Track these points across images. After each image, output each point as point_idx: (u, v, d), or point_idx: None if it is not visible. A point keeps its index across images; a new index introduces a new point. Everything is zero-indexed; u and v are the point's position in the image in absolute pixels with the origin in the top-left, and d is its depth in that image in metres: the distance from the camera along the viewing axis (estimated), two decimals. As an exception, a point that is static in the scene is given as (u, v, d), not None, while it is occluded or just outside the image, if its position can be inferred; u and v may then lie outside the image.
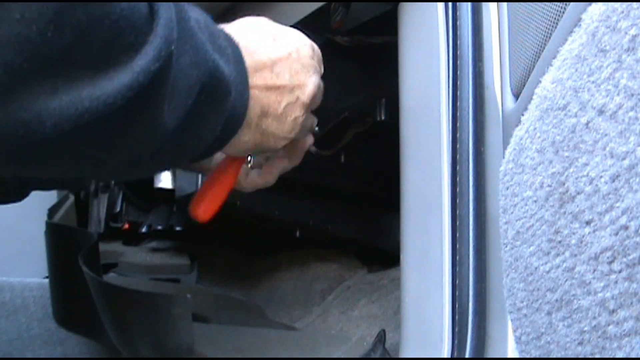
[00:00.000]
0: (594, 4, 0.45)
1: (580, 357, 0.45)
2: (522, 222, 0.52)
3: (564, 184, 0.46)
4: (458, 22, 0.66)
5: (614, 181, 0.41)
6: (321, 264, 1.40)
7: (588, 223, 0.43)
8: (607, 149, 0.42)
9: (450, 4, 0.67)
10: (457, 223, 0.64)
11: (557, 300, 0.48)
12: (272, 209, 1.24)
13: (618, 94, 0.41)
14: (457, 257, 0.63)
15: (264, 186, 0.69)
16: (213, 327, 1.11)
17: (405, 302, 0.69)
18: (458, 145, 0.65)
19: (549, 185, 0.48)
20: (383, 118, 0.98)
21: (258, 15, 0.61)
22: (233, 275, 1.46)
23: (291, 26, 0.63)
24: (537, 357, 0.52)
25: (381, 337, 0.88)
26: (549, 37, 0.54)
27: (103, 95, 0.39)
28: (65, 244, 0.84)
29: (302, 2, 0.82)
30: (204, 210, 0.63)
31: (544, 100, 0.50)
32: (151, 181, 1.22)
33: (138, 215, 1.40)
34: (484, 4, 0.66)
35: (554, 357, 0.49)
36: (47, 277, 0.91)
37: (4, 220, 1.44)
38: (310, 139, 0.68)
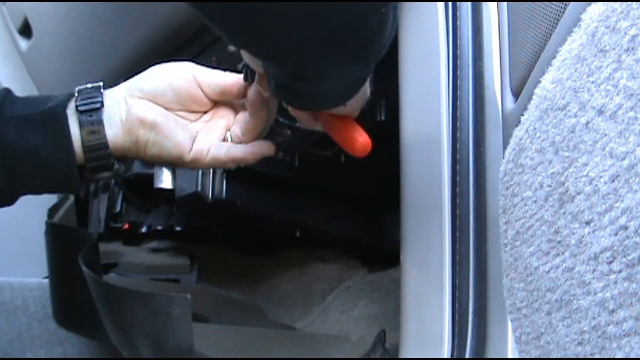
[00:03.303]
0: (593, 4, 0.45)
1: (579, 357, 0.45)
2: (522, 222, 0.52)
3: (563, 184, 0.46)
4: (458, 22, 0.66)
5: (613, 181, 0.41)
6: (321, 264, 1.40)
7: (588, 223, 0.43)
8: (607, 149, 0.42)
9: (450, 4, 0.67)
10: (457, 223, 0.64)
11: (556, 301, 0.48)
12: (272, 209, 1.24)
13: (618, 94, 0.41)
14: (457, 257, 0.63)
15: (241, 163, 0.70)
16: (213, 327, 1.11)
17: (405, 302, 0.69)
18: (458, 145, 0.65)
19: (549, 186, 0.48)
20: (383, 118, 0.98)
21: None
22: (233, 275, 1.46)
23: None
24: (537, 357, 0.52)
25: (381, 337, 0.88)
26: (549, 37, 0.54)
27: None
28: (65, 244, 0.84)
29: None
30: (363, 144, 0.66)
31: (543, 100, 0.50)
32: (151, 181, 1.22)
33: (138, 215, 1.40)
34: (484, 4, 0.66)
35: (554, 357, 0.49)
36: (47, 277, 0.91)
37: (4, 220, 1.44)
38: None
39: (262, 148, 0.70)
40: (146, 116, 0.67)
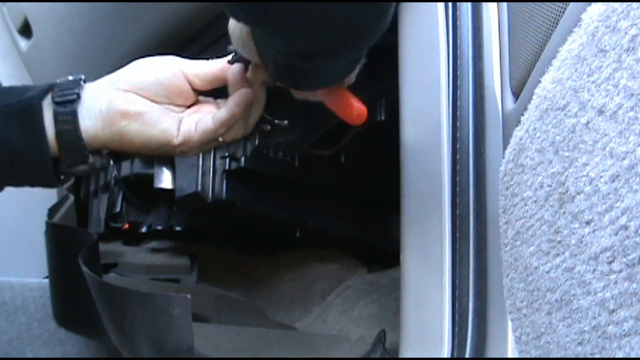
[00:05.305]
0: (593, 4, 0.45)
1: (580, 357, 0.45)
2: (522, 222, 0.52)
3: (563, 184, 0.46)
4: (458, 22, 0.66)
5: (613, 181, 0.41)
6: (321, 264, 1.40)
7: (588, 223, 0.43)
8: (607, 149, 0.42)
9: (450, 4, 0.67)
10: (457, 223, 0.64)
11: (556, 300, 0.48)
12: (272, 209, 1.24)
13: (618, 94, 0.41)
14: (457, 257, 0.63)
15: (231, 122, 0.68)
16: (213, 327, 1.11)
17: (405, 302, 0.69)
18: (458, 145, 0.65)
19: (549, 186, 0.48)
20: (383, 118, 0.98)
21: None
22: (233, 275, 1.46)
23: None
24: (537, 357, 0.52)
25: (381, 337, 0.88)
26: (549, 37, 0.54)
27: None
28: (65, 244, 0.84)
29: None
30: (358, 111, 0.66)
31: (543, 100, 0.50)
32: (151, 181, 1.23)
33: (138, 215, 1.40)
34: (484, 4, 0.66)
35: (554, 357, 0.49)
36: (47, 277, 0.91)
37: (4, 220, 1.44)
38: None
39: (242, 94, 0.68)
40: (129, 108, 0.66)
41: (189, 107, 0.72)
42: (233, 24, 0.65)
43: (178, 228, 1.37)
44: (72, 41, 1.21)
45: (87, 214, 1.41)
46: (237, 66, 0.69)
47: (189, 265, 1.40)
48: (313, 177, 1.22)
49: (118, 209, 1.37)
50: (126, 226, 1.39)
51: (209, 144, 0.71)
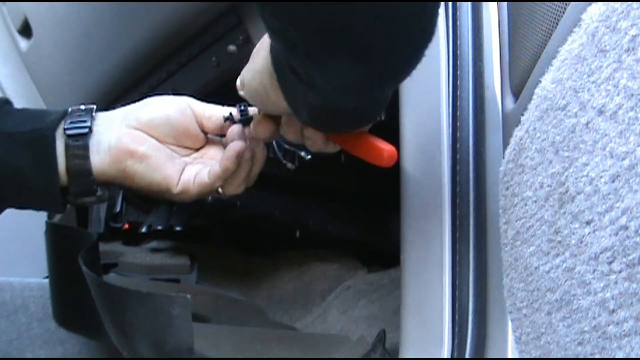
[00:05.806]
0: (594, 4, 0.45)
1: (580, 357, 0.45)
2: (522, 222, 0.52)
3: (563, 184, 0.46)
4: (458, 22, 0.66)
5: (613, 181, 0.41)
6: (321, 264, 1.41)
7: (588, 223, 0.43)
8: (607, 149, 0.42)
9: (450, 4, 0.67)
10: (457, 223, 0.64)
11: (557, 300, 0.48)
12: (272, 209, 1.24)
13: (618, 94, 0.41)
14: (457, 257, 0.63)
15: (225, 175, 0.67)
16: (213, 327, 1.11)
17: (405, 302, 0.69)
18: (458, 145, 0.65)
19: (549, 186, 0.48)
20: (383, 118, 0.98)
21: None
22: (233, 276, 1.46)
23: None
24: (537, 357, 0.52)
25: (381, 337, 0.88)
26: (549, 37, 0.54)
27: None
28: (65, 244, 0.84)
29: None
30: (389, 153, 0.63)
31: (543, 100, 0.50)
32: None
33: (138, 215, 1.40)
34: (484, 4, 0.66)
35: (554, 357, 0.49)
36: (47, 277, 0.91)
37: (4, 220, 1.44)
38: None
39: (233, 148, 0.67)
40: (137, 148, 0.66)
41: (197, 149, 0.71)
42: (247, 76, 0.62)
43: (178, 228, 1.37)
44: (72, 41, 1.20)
45: (87, 214, 1.41)
46: (235, 127, 0.69)
47: (189, 265, 1.40)
48: (313, 177, 1.22)
49: (118, 209, 1.37)
50: (126, 226, 1.39)
51: (208, 194, 0.70)
